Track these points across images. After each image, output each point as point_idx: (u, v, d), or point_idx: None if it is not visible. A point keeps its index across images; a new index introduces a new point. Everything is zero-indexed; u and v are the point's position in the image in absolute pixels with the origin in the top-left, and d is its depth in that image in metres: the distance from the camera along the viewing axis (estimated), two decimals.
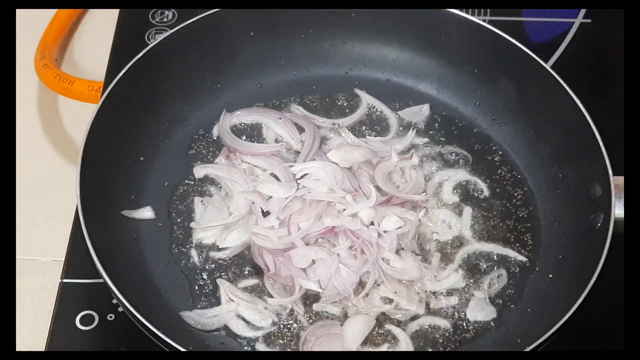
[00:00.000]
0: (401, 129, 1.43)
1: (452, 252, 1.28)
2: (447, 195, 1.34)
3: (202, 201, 1.31)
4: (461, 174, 1.37)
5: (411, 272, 1.22)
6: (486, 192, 1.35)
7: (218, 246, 1.27)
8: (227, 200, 1.31)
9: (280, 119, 1.40)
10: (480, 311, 1.22)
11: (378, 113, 1.45)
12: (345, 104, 1.46)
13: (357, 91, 1.46)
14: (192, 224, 1.29)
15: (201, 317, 1.20)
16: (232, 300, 1.21)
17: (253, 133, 1.41)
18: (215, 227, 1.28)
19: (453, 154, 1.39)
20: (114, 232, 1.24)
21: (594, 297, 1.12)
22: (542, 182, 1.35)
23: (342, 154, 1.33)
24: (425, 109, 1.44)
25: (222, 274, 1.25)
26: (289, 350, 1.18)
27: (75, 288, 1.27)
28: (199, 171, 1.35)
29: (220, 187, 1.34)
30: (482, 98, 1.45)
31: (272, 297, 1.22)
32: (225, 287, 1.22)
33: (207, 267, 1.25)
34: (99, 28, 1.65)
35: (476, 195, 1.35)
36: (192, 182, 1.34)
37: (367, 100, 1.45)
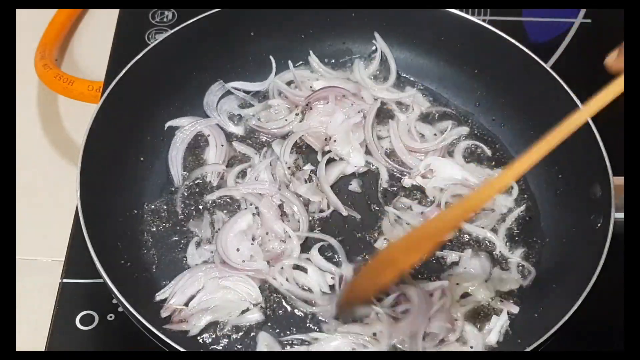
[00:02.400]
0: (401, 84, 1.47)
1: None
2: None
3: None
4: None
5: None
6: None
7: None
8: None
9: (222, 145, 1.37)
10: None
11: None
12: None
13: (376, 36, 1.48)
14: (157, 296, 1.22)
15: None
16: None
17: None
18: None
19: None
20: (114, 232, 1.24)
21: (594, 297, 1.12)
22: (542, 182, 1.35)
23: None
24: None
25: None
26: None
27: (75, 288, 1.27)
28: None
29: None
30: (482, 98, 1.45)
31: None
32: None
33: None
34: (99, 28, 1.65)
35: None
36: (192, 183, 1.35)
37: (382, 47, 1.48)
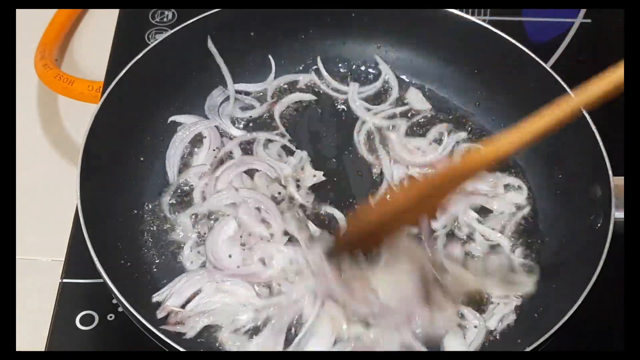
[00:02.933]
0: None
1: None
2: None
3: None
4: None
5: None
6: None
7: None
8: None
9: (214, 149, 1.36)
10: None
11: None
12: None
13: (377, 59, 1.48)
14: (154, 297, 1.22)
15: None
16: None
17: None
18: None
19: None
20: (114, 232, 1.24)
21: (594, 297, 1.12)
22: (542, 182, 1.35)
23: None
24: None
25: None
26: None
27: (75, 288, 1.27)
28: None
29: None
30: (482, 98, 1.45)
31: None
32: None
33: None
34: (99, 28, 1.65)
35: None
36: (179, 186, 1.34)
37: (385, 71, 1.47)
